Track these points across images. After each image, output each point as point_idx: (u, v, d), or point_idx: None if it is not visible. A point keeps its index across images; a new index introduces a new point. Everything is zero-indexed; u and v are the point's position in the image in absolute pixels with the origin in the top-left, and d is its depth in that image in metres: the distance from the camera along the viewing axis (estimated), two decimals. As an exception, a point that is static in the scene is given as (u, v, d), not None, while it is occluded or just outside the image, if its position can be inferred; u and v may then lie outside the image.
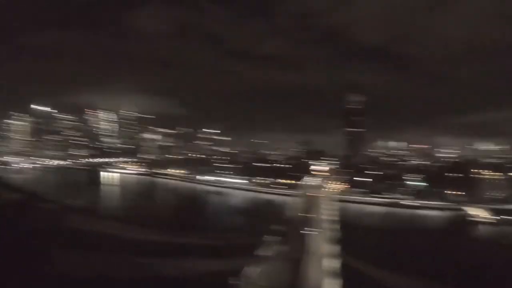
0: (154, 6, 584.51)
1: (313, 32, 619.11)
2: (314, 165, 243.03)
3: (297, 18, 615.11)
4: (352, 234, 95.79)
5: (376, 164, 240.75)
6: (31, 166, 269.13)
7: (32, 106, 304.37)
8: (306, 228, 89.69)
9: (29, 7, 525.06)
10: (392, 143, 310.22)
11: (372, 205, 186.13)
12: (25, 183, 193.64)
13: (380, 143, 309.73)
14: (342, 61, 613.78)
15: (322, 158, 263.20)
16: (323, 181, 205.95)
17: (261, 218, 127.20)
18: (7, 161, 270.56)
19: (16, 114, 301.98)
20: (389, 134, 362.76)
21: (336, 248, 71.76)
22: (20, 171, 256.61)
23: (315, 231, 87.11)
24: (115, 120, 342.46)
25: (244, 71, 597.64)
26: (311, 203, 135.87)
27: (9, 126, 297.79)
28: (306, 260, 64.32)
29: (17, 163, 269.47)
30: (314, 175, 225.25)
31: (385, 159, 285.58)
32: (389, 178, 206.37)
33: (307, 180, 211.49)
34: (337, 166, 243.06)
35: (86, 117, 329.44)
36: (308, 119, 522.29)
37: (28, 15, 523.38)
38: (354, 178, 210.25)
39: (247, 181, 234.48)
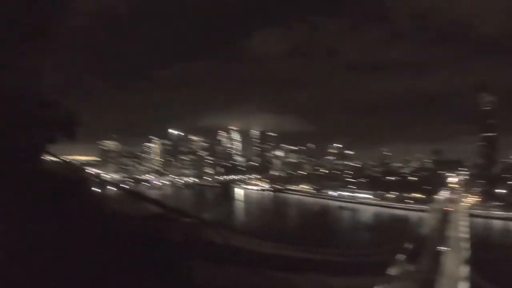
0: (268, 29, 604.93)
1: (433, 32, 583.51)
2: (448, 176, 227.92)
3: (415, 20, 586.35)
4: (490, 254, 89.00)
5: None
6: (168, 183, 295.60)
7: (169, 130, 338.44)
8: (439, 247, 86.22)
9: (158, 44, 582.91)
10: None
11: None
12: (164, 198, 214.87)
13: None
14: (468, 60, 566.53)
15: (457, 168, 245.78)
16: (458, 194, 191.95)
17: (391, 235, 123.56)
18: (148, 179, 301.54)
19: (155, 138, 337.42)
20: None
21: (472, 270, 68.20)
22: (159, 187, 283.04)
23: (449, 250, 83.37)
24: (245, 139, 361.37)
25: (366, 81, 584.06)
26: (445, 219, 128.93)
27: (149, 148, 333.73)
28: (440, 282, 62.41)
29: (156, 180, 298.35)
30: (448, 188, 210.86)
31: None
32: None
33: (441, 194, 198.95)
34: (470, 177, 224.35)
35: (218, 138, 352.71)
36: (437, 127, 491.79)
37: (158, 52, 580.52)
38: (490, 190, 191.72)
39: (375, 196, 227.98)
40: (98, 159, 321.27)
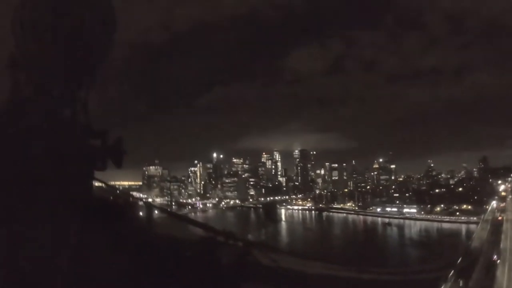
0: (305, 48, 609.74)
1: (471, 34, 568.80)
2: (498, 184, 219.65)
3: (451, 22, 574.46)
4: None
5: None
6: (212, 206, 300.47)
7: (211, 154, 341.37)
8: (492, 260, 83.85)
9: (197, 70, 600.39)
10: None
11: None
12: (208, 221, 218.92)
13: None
14: (509, 60, 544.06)
15: (506, 175, 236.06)
16: (509, 203, 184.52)
17: (441, 250, 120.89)
18: (191, 203, 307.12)
19: (197, 162, 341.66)
20: None
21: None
22: (203, 210, 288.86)
23: (503, 263, 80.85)
24: (287, 159, 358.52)
25: (406, 92, 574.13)
26: (496, 230, 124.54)
27: (192, 173, 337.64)
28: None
29: (200, 203, 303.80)
30: (498, 197, 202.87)
31: None
32: None
33: (491, 203, 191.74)
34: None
35: (262, 160, 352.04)
36: (482, 133, 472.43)
37: (198, 78, 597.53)
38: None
39: (422, 210, 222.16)
40: (142, 184, 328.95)
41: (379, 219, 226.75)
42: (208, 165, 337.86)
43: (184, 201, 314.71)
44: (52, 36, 6.06)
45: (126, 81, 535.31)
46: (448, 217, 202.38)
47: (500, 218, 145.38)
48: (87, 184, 6.70)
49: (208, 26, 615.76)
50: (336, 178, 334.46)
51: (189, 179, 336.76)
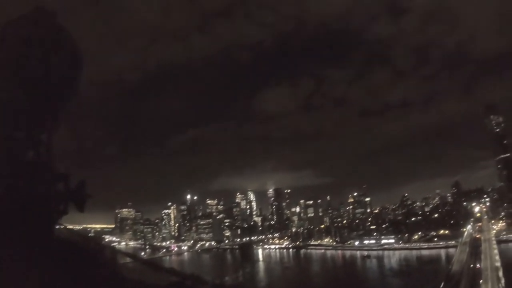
0: (276, 87, 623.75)
1: (433, 64, 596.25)
2: (472, 206, 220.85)
3: (416, 55, 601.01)
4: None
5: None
6: (186, 248, 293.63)
7: (185, 195, 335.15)
8: (473, 281, 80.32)
9: (170, 111, 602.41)
10: None
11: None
12: (183, 264, 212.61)
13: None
14: (472, 84, 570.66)
15: (479, 196, 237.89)
16: (484, 223, 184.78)
17: (422, 277, 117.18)
18: (166, 246, 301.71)
19: (173, 204, 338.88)
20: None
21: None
22: (178, 253, 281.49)
23: (484, 283, 77.13)
24: (261, 198, 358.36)
25: (376, 125, 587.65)
26: (475, 251, 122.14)
27: (166, 215, 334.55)
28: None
29: (175, 246, 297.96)
30: (473, 218, 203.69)
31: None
32: None
33: (467, 226, 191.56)
34: (494, 203, 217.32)
35: (236, 200, 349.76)
36: (452, 158, 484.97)
37: (170, 119, 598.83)
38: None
39: (399, 239, 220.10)
40: (115, 227, 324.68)
41: (358, 252, 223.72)
42: (182, 207, 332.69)
43: (158, 244, 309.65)
44: (16, 80, 6.39)
45: (98, 122, 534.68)
46: (427, 243, 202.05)
47: (478, 237, 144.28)
48: (49, 227, 6.32)
49: (181, 67, 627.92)
50: (312, 214, 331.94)
51: (163, 222, 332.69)
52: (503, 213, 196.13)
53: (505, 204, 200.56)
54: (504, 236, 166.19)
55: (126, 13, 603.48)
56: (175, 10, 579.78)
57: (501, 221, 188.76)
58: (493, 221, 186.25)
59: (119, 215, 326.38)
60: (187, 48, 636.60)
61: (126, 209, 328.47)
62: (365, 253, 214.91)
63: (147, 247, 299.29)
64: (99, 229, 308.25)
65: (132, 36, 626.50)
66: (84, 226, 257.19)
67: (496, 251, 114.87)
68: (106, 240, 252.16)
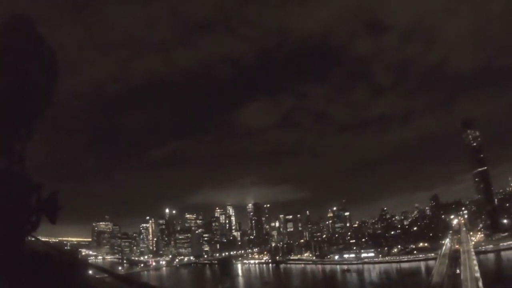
0: (257, 102, 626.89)
1: (411, 80, 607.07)
2: (450, 219, 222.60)
3: (394, 71, 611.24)
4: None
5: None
6: (165, 263, 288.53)
7: (164, 209, 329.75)
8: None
9: (150, 124, 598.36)
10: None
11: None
12: (161, 279, 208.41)
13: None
14: (450, 99, 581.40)
15: (457, 209, 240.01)
16: (463, 235, 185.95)
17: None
18: (146, 260, 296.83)
19: (151, 218, 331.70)
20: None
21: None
22: (156, 268, 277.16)
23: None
24: (241, 213, 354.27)
25: (355, 140, 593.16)
26: (454, 263, 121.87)
27: (144, 229, 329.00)
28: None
29: (153, 261, 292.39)
30: (452, 231, 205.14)
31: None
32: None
33: (446, 238, 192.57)
34: (472, 215, 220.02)
35: (215, 214, 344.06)
36: (431, 172, 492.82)
37: (150, 132, 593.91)
38: (494, 223, 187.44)
39: (379, 253, 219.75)
40: (92, 240, 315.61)
41: (338, 266, 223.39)
42: (161, 221, 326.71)
43: (136, 258, 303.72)
44: None
45: (78, 134, 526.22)
46: (406, 256, 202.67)
47: (455, 250, 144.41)
48: (20, 239, 5.82)
49: (163, 80, 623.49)
50: (291, 229, 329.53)
51: (141, 236, 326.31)
52: (481, 225, 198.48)
53: (483, 216, 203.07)
54: (483, 247, 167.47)
55: (109, 24, 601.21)
56: (158, 23, 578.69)
57: (479, 233, 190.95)
58: (471, 233, 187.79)
59: (96, 228, 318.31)
60: (168, 61, 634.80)
61: (104, 222, 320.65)
62: (345, 267, 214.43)
63: (125, 261, 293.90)
64: (75, 242, 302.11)
65: (114, 48, 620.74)
66: (60, 239, 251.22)
67: (475, 262, 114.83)
68: (83, 253, 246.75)
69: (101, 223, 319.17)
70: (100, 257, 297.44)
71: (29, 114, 5.93)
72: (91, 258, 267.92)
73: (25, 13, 6.09)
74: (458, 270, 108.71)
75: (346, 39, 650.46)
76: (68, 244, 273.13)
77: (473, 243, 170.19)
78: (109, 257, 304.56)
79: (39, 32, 6.15)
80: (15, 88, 5.53)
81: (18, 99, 5.60)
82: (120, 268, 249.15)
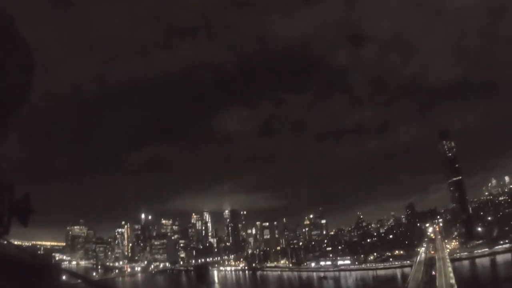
0: (235, 109, 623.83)
1: (389, 91, 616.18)
2: (425, 227, 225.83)
3: (372, 82, 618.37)
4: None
5: (492, 208, 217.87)
6: (140, 269, 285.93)
7: (139, 214, 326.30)
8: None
9: (126, 128, 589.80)
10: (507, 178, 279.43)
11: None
12: (136, 286, 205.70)
13: (493, 182, 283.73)
14: (427, 111, 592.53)
15: (433, 217, 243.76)
16: (438, 243, 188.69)
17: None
18: (121, 266, 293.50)
19: (127, 223, 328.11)
20: (494, 172, 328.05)
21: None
22: (131, 274, 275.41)
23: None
24: (217, 220, 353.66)
25: (332, 149, 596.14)
26: (429, 270, 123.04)
27: (119, 234, 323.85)
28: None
29: (130, 267, 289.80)
30: (427, 238, 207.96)
31: (502, 198, 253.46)
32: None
33: (421, 246, 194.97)
34: (447, 223, 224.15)
35: (192, 220, 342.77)
36: (407, 181, 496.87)
37: (126, 135, 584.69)
38: (468, 231, 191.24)
39: (355, 260, 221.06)
40: (66, 244, 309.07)
41: (314, 273, 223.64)
42: (136, 226, 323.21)
43: (111, 264, 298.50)
44: None
45: (52, 135, 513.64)
46: (382, 264, 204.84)
47: (431, 257, 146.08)
48: None
49: (142, 84, 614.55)
50: (268, 236, 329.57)
51: (116, 241, 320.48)
52: (456, 233, 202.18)
53: (458, 224, 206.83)
54: (458, 255, 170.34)
55: (90, 25, 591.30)
56: (139, 25, 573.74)
57: (454, 240, 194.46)
58: (446, 241, 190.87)
59: (70, 232, 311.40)
60: (148, 64, 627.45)
61: (78, 227, 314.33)
62: (322, 274, 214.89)
63: (99, 267, 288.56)
64: (49, 247, 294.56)
65: (93, 49, 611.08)
66: (34, 242, 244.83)
67: (450, 269, 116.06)
68: (56, 258, 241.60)
69: (75, 227, 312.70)
70: (74, 262, 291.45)
71: (3, 113, 5.71)
72: (65, 263, 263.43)
73: (1, 7, 5.75)
74: (433, 272, 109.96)
75: (327, 48, 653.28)
76: (42, 248, 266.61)
77: (448, 250, 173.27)
78: (83, 262, 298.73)
79: (16, 27, 5.88)
80: None
81: None
82: (94, 273, 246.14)
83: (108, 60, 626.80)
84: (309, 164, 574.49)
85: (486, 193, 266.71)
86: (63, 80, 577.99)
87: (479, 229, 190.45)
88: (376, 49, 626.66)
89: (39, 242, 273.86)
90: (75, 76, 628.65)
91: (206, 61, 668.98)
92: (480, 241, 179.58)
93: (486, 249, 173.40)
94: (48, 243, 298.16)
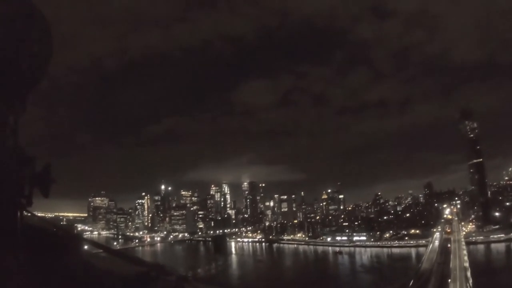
0: (256, 81, 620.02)
1: (412, 68, 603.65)
2: (443, 208, 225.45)
3: (394, 58, 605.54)
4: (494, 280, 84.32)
5: (511, 193, 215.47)
6: (159, 239, 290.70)
7: (159, 185, 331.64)
8: (442, 280, 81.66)
9: (147, 100, 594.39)
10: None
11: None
12: (155, 255, 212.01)
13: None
14: (450, 90, 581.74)
15: (450, 198, 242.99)
16: (454, 224, 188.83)
17: (393, 274, 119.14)
18: (141, 236, 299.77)
19: (147, 194, 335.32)
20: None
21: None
22: (151, 244, 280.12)
23: (453, 282, 78.52)
24: (236, 191, 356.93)
25: (353, 124, 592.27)
26: (444, 251, 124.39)
27: (140, 205, 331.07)
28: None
29: (150, 237, 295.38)
30: (444, 219, 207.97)
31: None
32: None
33: (437, 226, 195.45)
34: (464, 205, 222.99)
35: (211, 192, 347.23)
36: (427, 160, 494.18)
37: (147, 108, 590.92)
38: (486, 215, 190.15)
39: (371, 237, 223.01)
40: (88, 215, 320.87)
41: (330, 248, 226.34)
42: (156, 197, 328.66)
43: (131, 234, 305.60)
44: None
45: (74, 108, 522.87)
46: (398, 242, 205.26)
47: (446, 239, 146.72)
48: (14, 213, 5.33)
49: (161, 56, 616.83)
50: (286, 209, 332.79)
51: (136, 212, 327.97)
52: (473, 216, 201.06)
53: (475, 207, 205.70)
54: (473, 238, 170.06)
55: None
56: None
57: (471, 223, 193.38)
58: (463, 223, 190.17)
59: (92, 203, 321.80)
60: (168, 37, 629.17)
61: (99, 198, 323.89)
62: (337, 249, 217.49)
63: (120, 237, 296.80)
64: (71, 218, 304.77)
65: (113, 22, 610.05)
66: (56, 214, 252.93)
67: (465, 252, 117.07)
68: (78, 228, 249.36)
69: (97, 198, 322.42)
70: (95, 233, 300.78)
71: (23, 86, 6.28)
72: (87, 233, 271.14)
73: None
74: (447, 259, 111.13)
75: (349, 22, 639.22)
76: (64, 219, 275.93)
77: (464, 233, 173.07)
78: (104, 233, 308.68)
79: (33, 2, 6.88)
80: (9, 59, 5.76)
81: (12, 70, 5.79)
82: (115, 243, 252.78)
83: (127, 33, 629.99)
84: (328, 138, 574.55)
85: (506, 178, 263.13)
86: (82, 54, 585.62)
87: (497, 214, 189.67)
88: (400, 24, 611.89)
89: (61, 214, 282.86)
90: (95, 49, 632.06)
91: (226, 33, 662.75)
92: (497, 226, 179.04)
93: (502, 235, 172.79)
94: (70, 214, 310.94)
